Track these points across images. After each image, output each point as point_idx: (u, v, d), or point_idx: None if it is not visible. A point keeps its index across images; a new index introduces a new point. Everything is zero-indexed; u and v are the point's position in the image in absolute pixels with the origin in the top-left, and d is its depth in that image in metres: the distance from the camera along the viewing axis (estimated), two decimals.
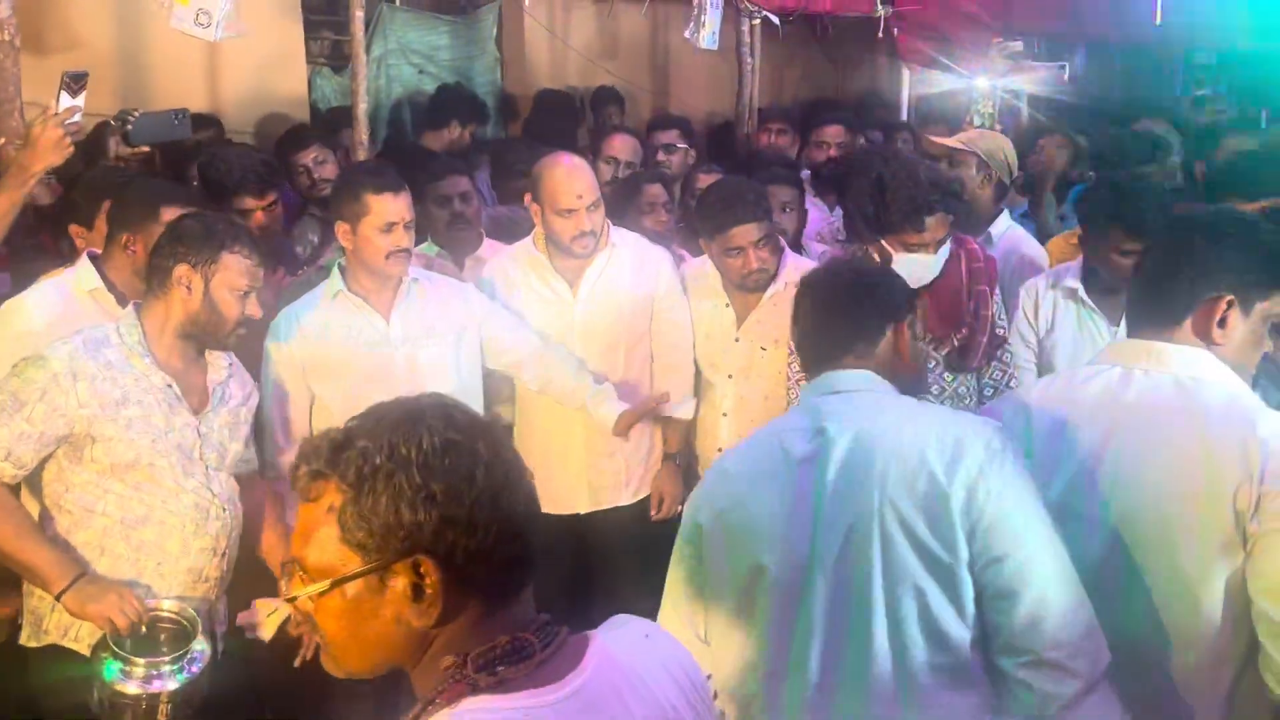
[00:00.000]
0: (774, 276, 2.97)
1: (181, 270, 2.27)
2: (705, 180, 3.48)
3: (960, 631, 1.59)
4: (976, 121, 3.77)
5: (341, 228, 2.70)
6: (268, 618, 2.39)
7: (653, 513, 3.15)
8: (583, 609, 3.35)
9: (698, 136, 5.20)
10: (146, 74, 4.16)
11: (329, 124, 4.39)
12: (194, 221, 2.33)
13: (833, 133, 4.42)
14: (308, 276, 3.16)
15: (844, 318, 1.79)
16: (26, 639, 2.32)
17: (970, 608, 1.58)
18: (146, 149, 3.09)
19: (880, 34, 5.85)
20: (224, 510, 2.38)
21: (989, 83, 3.80)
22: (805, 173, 4.50)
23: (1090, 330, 2.85)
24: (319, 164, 3.82)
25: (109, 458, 2.24)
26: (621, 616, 1.24)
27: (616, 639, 1.17)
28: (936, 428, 1.66)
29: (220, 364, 2.43)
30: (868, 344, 1.78)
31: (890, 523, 1.60)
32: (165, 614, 2.23)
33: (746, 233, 2.87)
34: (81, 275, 2.57)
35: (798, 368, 2.91)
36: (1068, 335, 2.87)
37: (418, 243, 2.98)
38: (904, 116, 5.91)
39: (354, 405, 2.73)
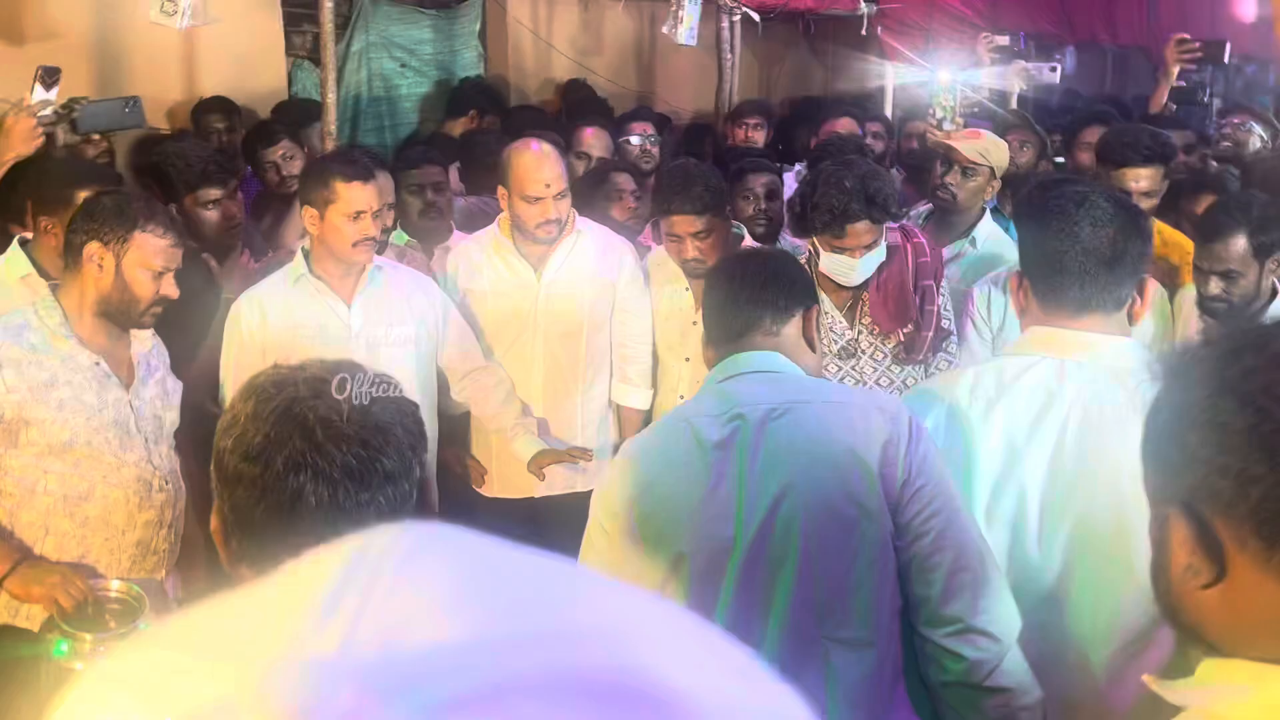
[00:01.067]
0: None
1: (93, 248, 2.26)
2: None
3: (882, 605, 1.61)
4: (938, 114, 3.77)
5: (309, 213, 2.71)
6: None
7: None
8: None
9: (678, 132, 5.22)
10: (123, 65, 4.18)
11: (298, 118, 4.39)
12: (107, 199, 2.31)
13: (845, 124, 4.35)
14: (277, 259, 3.17)
15: (752, 297, 1.79)
16: None
17: (892, 571, 1.62)
18: (97, 137, 3.08)
19: (864, 31, 5.86)
20: (166, 483, 2.39)
21: (950, 77, 3.79)
22: (798, 167, 4.51)
23: None
24: (287, 159, 3.82)
25: (45, 439, 2.25)
26: None
27: None
28: (852, 405, 1.68)
29: (144, 334, 2.43)
30: (774, 324, 1.78)
31: (813, 502, 1.59)
32: (112, 593, 2.24)
33: (686, 223, 2.88)
34: (11, 261, 2.58)
35: None
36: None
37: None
38: (889, 112, 5.91)
39: None
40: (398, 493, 1.12)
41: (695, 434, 1.66)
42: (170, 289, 2.31)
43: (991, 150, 3.34)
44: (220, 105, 4.26)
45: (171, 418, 2.46)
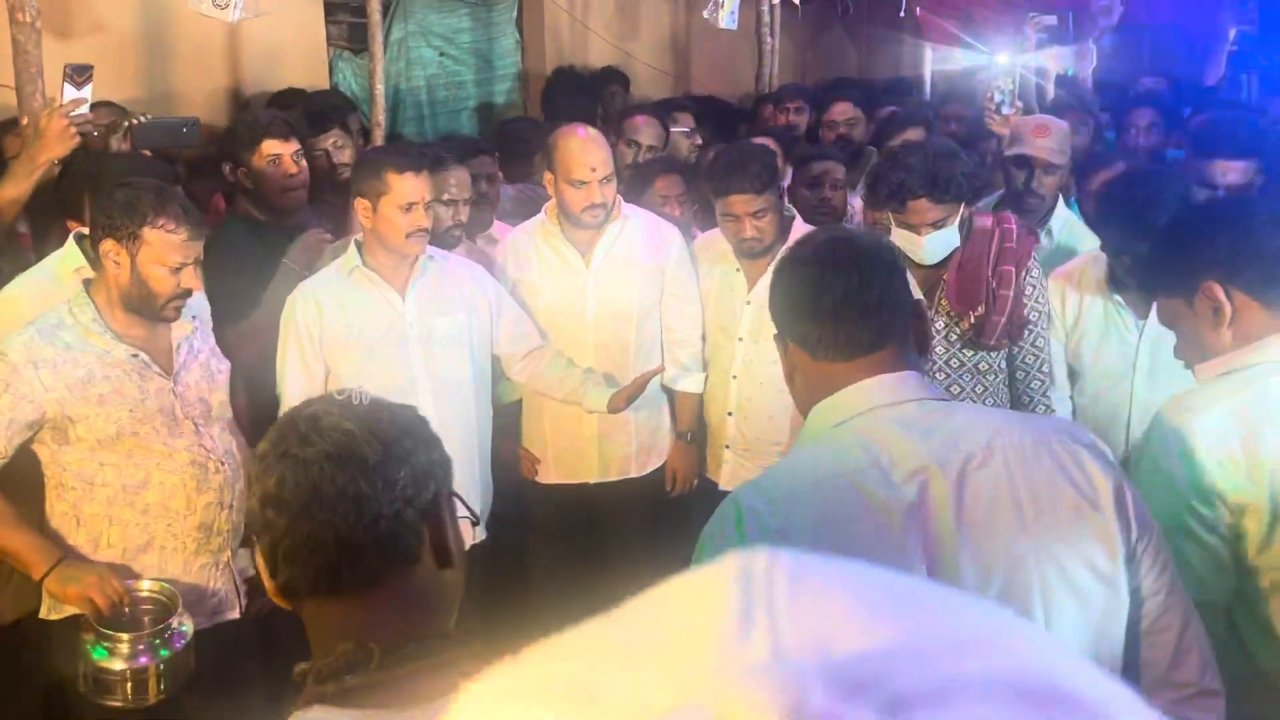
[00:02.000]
0: (776, 242, 2.98)
1: (107, 245, 2.25)
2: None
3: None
4: (996, 98, 3.71)
5: (361, 204, 2.73)
6: None
7: (668, 488, 3.19)
8: (596, 577, 3.39)
9: (720, 116, 5.18)
10: (168, 58, 4.21)
11: (341, 108, 4.38)
12: (121, 193, 2.27)
13: (841, 110, 4.35)
14: (333, 248, 3.17)
15: (881, 297, 1.37)
16: (46, 612, 2.37)
17: (1121, 647, 1.34)
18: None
19: (902, 13, 5.79)
20: (222, 464, 2.41)
21: (1010, 60, 3.73)
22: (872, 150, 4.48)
23: (1116, 324, 2.81)
24: (338, 149, 3.84)
25: (92, 434, 2.27)
26: None
27: None
28: (1054, 442, 1.33)
29: (184, 319, 2.40)
30: (905, 329, 1.39)
31: (1046, 577, 1.27)
32: (144, 593, 2.26)
33: (744, 202, 2.89)
34: (68, 255, 2.60)
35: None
36: (1094, 328, 2.83)
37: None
38: (927, 95, 5.85)
39: (368, 381, 2.80)
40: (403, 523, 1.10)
41: (867, 496, 1.27)
42: (192, 282, 2.28)
43: (1064, 142, 3.30)
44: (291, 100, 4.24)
45: (220, 398, 2.46)
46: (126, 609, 2.22)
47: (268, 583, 1.10)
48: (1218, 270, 1.72)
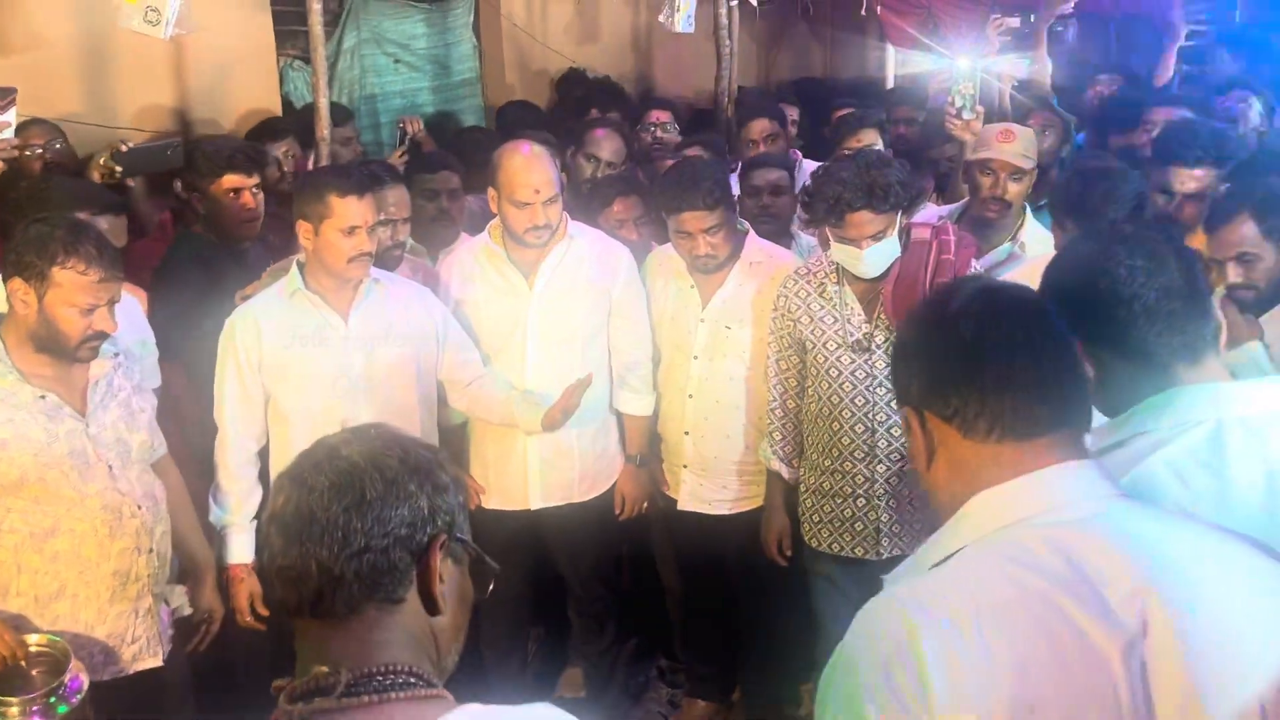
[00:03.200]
0: (731, 258, 2.96)
1: (16, 284, 2.18)
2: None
3: None
4: (958, 103, 3.67)
5: (303, 227, 2.67)
6: None
7: (616, 511, 3.14)
8: (545, 602, 3.34)
9: (681, 120, 5.12)
10: (111, 72, 4.10)
11: (304, 119, 4.33)
12: (34, 229, 2.19)
13: (760, 128, 4.19)
14: (272, 273, 3.12)
15: (1056, 361, 1.16)
16: None
17: None
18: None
19: (863, 11, 5.76)
20: (139, 508, 2.33)
21: (970, 63, 3.67)
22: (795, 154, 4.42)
23: None
24: (290, 157, 3.80)
25: None
26: (549, 708, 1.15)
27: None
28: (1265, 563, 1.12)
29: (102, 358, 2.33)
30: (1083, 409, 1.19)
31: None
32: (34, 648, 2.17)
33: (696, 219, 2.86)
34: None
35: (778, 366, 2.87)
36: None
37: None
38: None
39: (310, 406, 2.76)
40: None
41: (1080, 621, 1.04)
42: (105, 324, 2.20)
43: (1030, 147, 3.27)
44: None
45: (141, 438, 2.38)
46: (23, 661, 2.14)
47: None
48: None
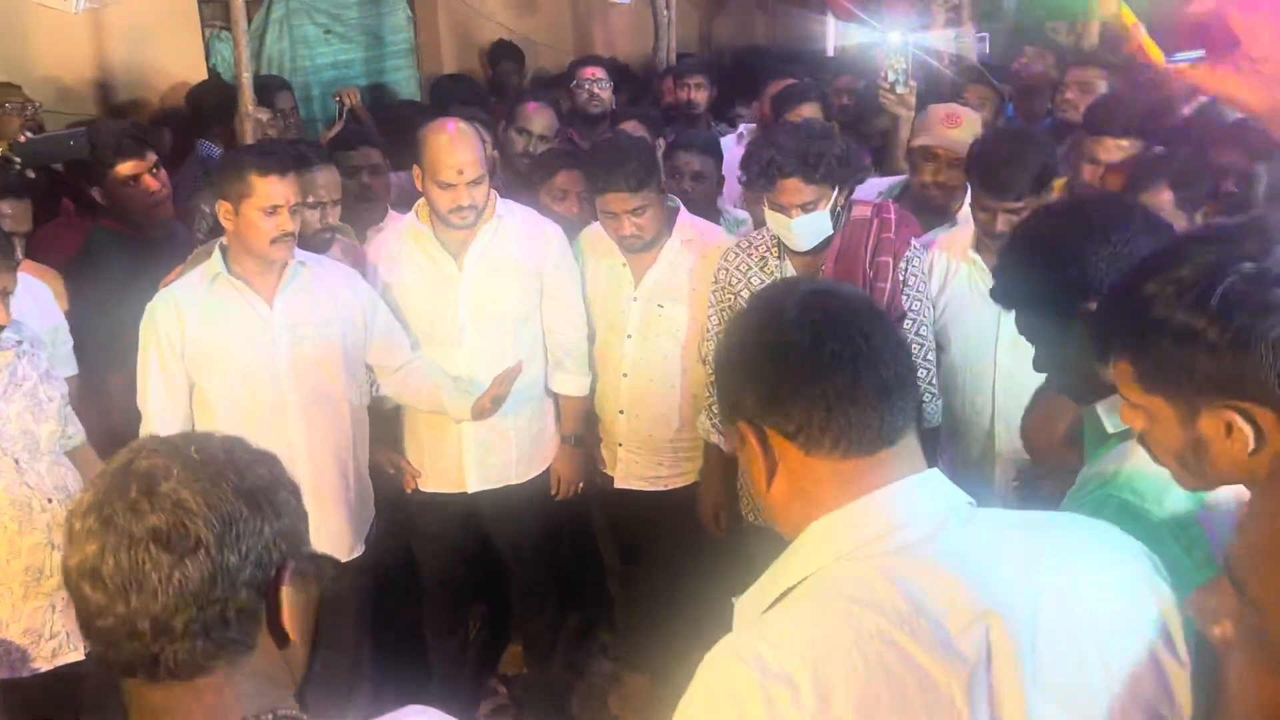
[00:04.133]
0: (661, 236, 2.94)
1: None
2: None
3: None
4: (890, 78, 3.67)
5: (223, 207, 2.60)
6: None
7: (553, 492, 3.14)
8: (486, 581, 3.34)
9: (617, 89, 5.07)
10: (29, 43, 3.97)
11: (270, 87, 4.23)
12: None
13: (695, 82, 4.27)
14: (194, 258, 3.05)
15: (892, 374, 1.12)
16: None
17: None
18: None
19: None
20: (50, 500, 2.27)
21: (902, 37, 3.67)
22: (748, 125, 4.41)
23: (978, 286, 2.80)
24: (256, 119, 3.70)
25: None
26: (422, 710, 1.07)
27: None
28: (1118, 563, 1.11)
29: (2, 348, 2.27)
30: (917, 410, 1.16)
31: None
32: None
33: (620, 200, 2.83)
34: None
35: (718, 339, 2.86)
36: (959, 291, 2.82)
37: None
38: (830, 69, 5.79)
39: (236, 394, 2.70)
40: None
41: (920, 661, 1.00)
42: (1, 315, 2.14)
43: (976, 132, 3.25)
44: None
45: (50, 428, 2.32)
46: None
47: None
48: (1093, 292, 1.41)
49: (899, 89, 3.51)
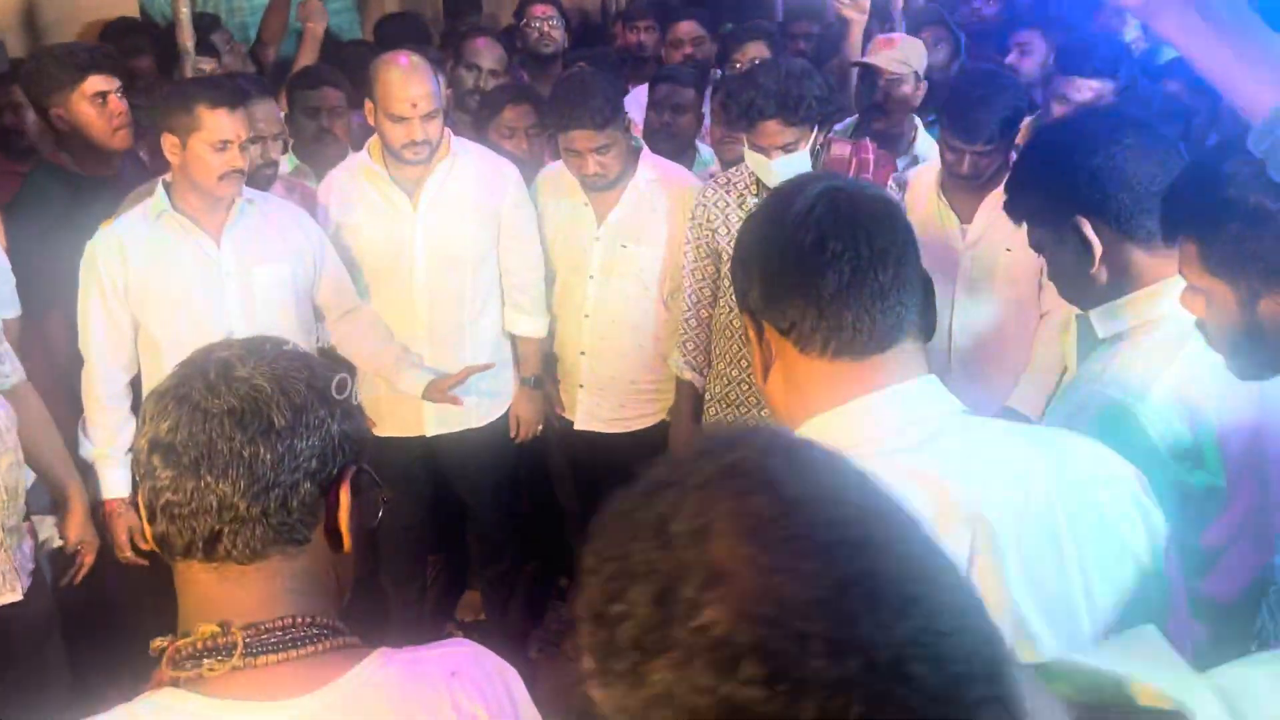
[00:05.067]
0: (625, 174, 2.90)
1: None
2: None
3: None
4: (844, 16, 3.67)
5: (169, 141, 2.51)
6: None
7: (512, 434, 3.11)
8: (444, 527, 3.31)
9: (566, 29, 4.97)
10: None
11: (206, 26, 4.06)
12: None
13: (686, 29, 4.19)
14: (135, 196, 2.93)
15: (896, 275, 1.10)
16: None
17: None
18: None
19: None
20: None
21: None
22: (717, 72, 4.37)
23: (942, 226, 2.82)
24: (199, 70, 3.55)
25: None
26: (461, 642, 1.10)
27: (415, 667, 1.02)
28: (1106, 478, 1.13)
29: None
30: (919, 320, 1.13)
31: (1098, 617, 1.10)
32: None
33: (586, 138, 2.78)
34: None
35: (693, 275, 2.84)
36: (921, 230, 2.83)
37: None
38: (779, 14, 5.75)
39: (182, 335, 2.62)
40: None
41: None
42: None
43: (911, 54, 3.32)
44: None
45: None
46: None
47: (146, 528, 1.02)
48: (1080, 202, 1.46)
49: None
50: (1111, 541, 1.09)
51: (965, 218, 2.79)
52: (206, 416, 0.97)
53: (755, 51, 3.80)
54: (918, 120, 3.44)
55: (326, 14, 4.20)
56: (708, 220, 2.81)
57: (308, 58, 3.97)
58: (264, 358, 1.02)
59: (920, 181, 2.90)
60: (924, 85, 3.35)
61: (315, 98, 3.26)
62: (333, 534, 1.03)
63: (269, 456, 0.97)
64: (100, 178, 2.96)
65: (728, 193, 2.80)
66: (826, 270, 1.07)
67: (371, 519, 1.09)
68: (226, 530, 0.97)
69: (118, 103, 2.89)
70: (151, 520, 1.01)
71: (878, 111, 3.26)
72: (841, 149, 2.78)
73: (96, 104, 2.85)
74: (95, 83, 2.85)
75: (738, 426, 0.73)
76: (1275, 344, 1.18)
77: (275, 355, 1.03)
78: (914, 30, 4.17)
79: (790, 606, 0.55)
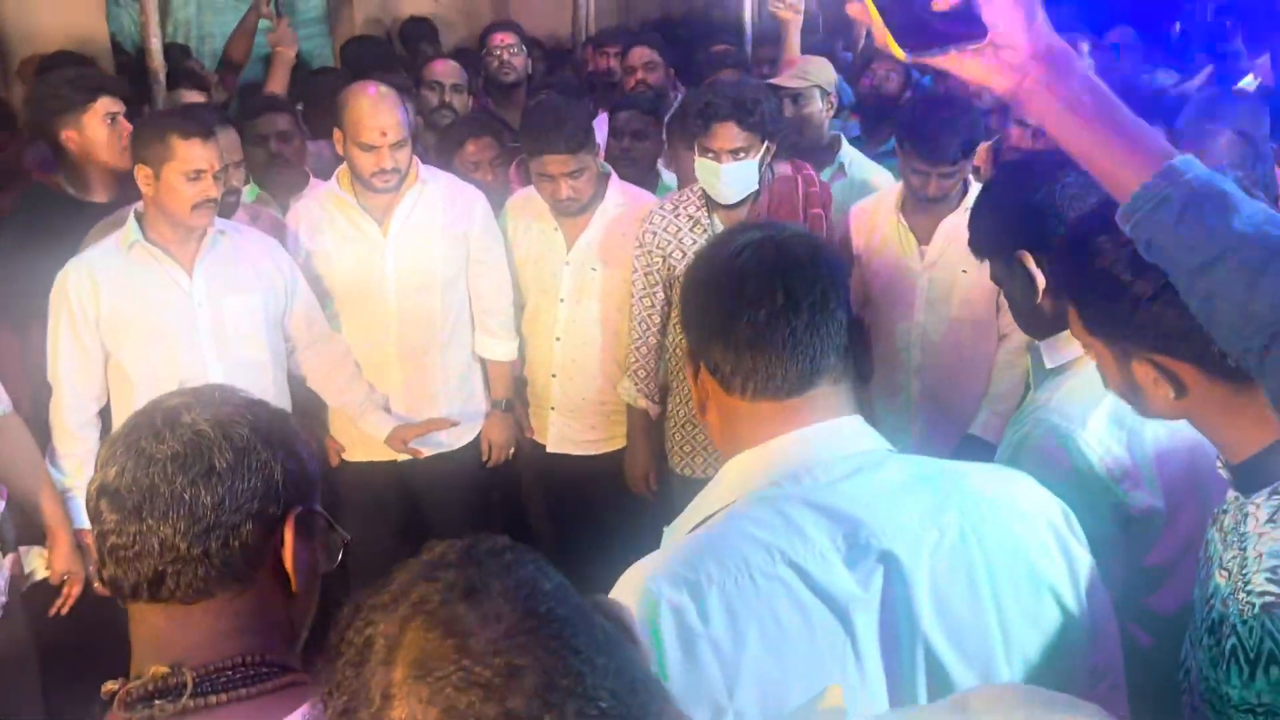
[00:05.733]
0: (595, 199, 2.95)
1: None
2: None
3: None
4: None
5: (142, 172, 2.53)
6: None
7: (484, 458, 3.13)
8: (417, 550, 3.31)
9: (537, 60, 5.04)
10: None
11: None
12: None
13: (639, 55, 4.24)
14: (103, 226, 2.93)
15: (814, 320, 1.12)
16: None
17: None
18: None
19: None
20: None
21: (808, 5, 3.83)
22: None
23: (902, 247, 2.89)
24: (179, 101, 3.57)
25: None
26: None
27: None
28: (1024, 513, 1.14)
29: None
30: (840, 363, 1.15)
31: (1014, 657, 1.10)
32: None
33: (559, 163, 2.81)
34: None
35: (642, 303, 2.89)
36: (885, 250, 2.91)
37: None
38: (748, 35, 5.84)
39: (153, 366, 2.63)
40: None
41: (802, 592, 1.04)
42: None
43: (812, 69, 3.44)
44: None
45: None
46: None
47: (97, 574, 1.07)
48: (1023, 237, 1.54)
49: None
50: (1027, 576, 1.11)
51: (924, 239, 2.86)
52: (150, 461, 1.01)
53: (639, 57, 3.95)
54: (842, 135, 3.55)
55: (297, 39, 4.22)
56: (658, 246, 2.84)
57: (277, 84, 3.99)
58: (209, 404, 1.06)
59: (880, 205, 2.97)
60: (834, 99, 3.50)
61: (261, 125, 3.26)
62: (279, 575, 1.04)
63: (209, 499, 1.00)
64: (94, 205, 2.91)
65: (676, 216, 2.84)
66: (742, 317, 1.12)
67: (328, 562, 1.10)
68: (170, 571, 1.00)
69: (126, 124, 2.89)
70: (102, 563, 1.04)
71: (794, 130, 3.35)
72: (785, 168, 2.85)
73: (107, 124, 2.86)
74: (106, 104, 2.87)
75: (457, 545, 0.79)
76: (1156, 399, 1.23)
77: (221, 401, 1.07)
78: (866, 62, 4.27)
79: None
